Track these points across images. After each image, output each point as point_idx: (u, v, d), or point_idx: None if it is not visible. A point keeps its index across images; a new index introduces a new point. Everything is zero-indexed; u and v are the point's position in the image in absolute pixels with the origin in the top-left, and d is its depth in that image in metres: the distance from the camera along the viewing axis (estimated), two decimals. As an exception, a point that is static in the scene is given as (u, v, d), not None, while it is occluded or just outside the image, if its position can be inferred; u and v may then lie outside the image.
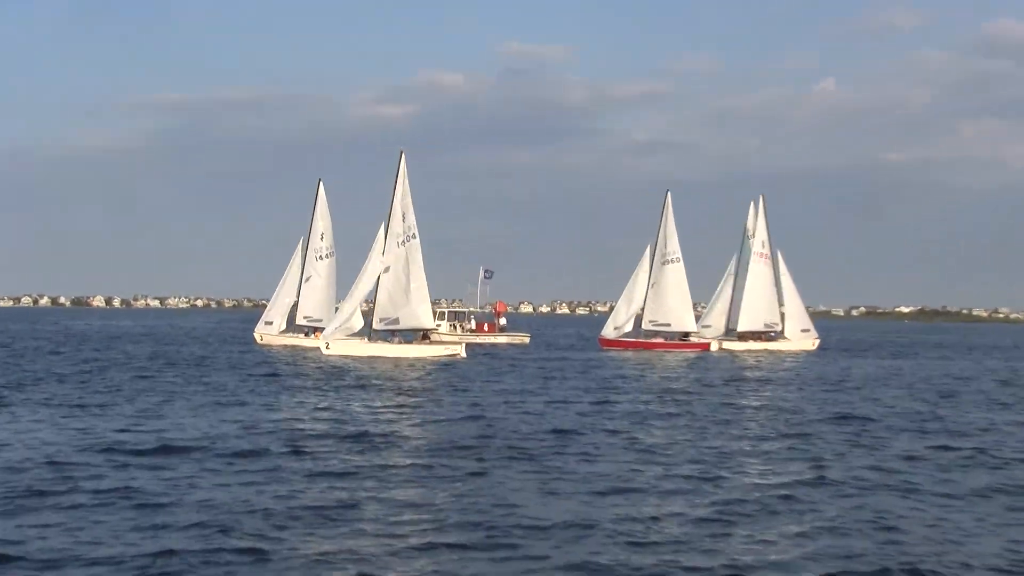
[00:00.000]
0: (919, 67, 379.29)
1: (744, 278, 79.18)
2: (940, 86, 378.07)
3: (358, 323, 62.05)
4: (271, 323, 70.70)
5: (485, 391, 38.19)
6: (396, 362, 55.42)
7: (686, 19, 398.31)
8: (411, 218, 61.67)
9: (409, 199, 61.94)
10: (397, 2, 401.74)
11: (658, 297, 74.76)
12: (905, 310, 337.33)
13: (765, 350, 75.73)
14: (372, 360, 56.04)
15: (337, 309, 65.10)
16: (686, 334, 75.44)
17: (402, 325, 61.51)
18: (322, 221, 70.62)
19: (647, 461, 21.37)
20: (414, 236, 61.54)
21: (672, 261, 74.81)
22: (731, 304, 78.93)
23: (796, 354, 74.03)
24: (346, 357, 58.07)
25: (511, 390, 38.93)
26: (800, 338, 79.60)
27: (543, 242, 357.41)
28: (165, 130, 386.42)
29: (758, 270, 77.98)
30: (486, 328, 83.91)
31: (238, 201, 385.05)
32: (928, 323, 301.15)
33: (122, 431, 24.69)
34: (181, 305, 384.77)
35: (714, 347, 75.08)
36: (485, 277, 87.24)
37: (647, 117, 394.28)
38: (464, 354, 61.62)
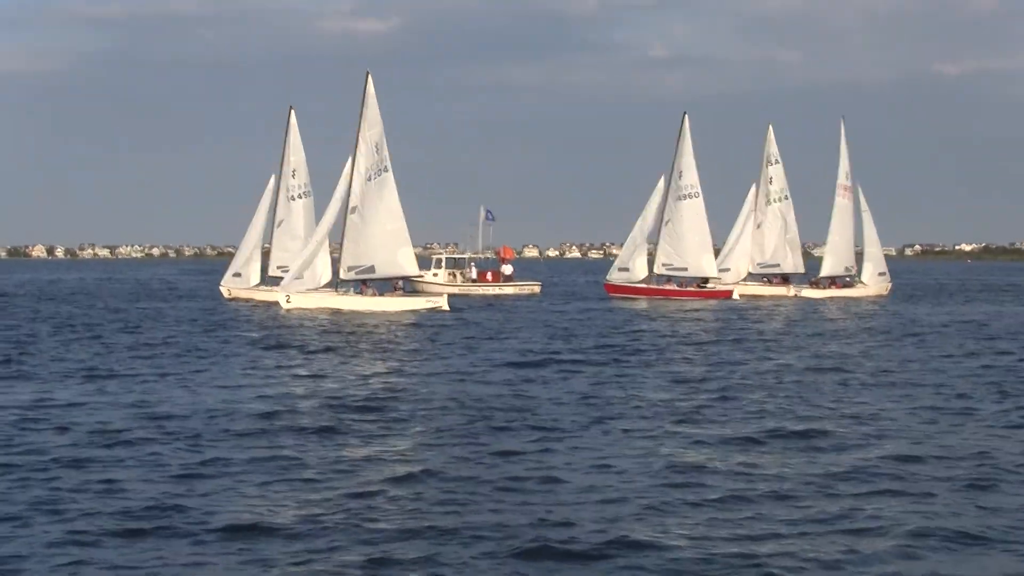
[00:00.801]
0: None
1: (764, 213, 78.54)
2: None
3: (325, 272, 59.70)
4: (239, 275, 68.77)
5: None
6: (372, 317, 53.13)
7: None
8: (383, 149, 59.46)
9: (380, 128, 59.52)
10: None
11: (673, 237, 73.22)
12: (967, 248, 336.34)
13: (844, 297, 75.12)
14: (345, 316, 53.84)
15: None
16: (705, 280, 73.52)
17: (379, 274, 59.44)
18: (295, 155, 68.24)
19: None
20: (386, 169, 59.28)
21: (689, 196, 73.16)
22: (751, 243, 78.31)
23: (874, 300, 73.49)
24: (310, 311, 55.92)
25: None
26: (877, 283, 79.12)
27: (548, 175, 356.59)
28: (106, 49, 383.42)
29: (842, 204, 77.77)
30: (489, 277, 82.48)
31: (195, 134, 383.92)
32: (993, 261, 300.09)
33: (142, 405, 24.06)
34: (135, 255, 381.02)
35: (736, 294, 73.16)
36: (487, 218, 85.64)
37: (665, 27, 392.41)
38: (447, 306, 59.31)
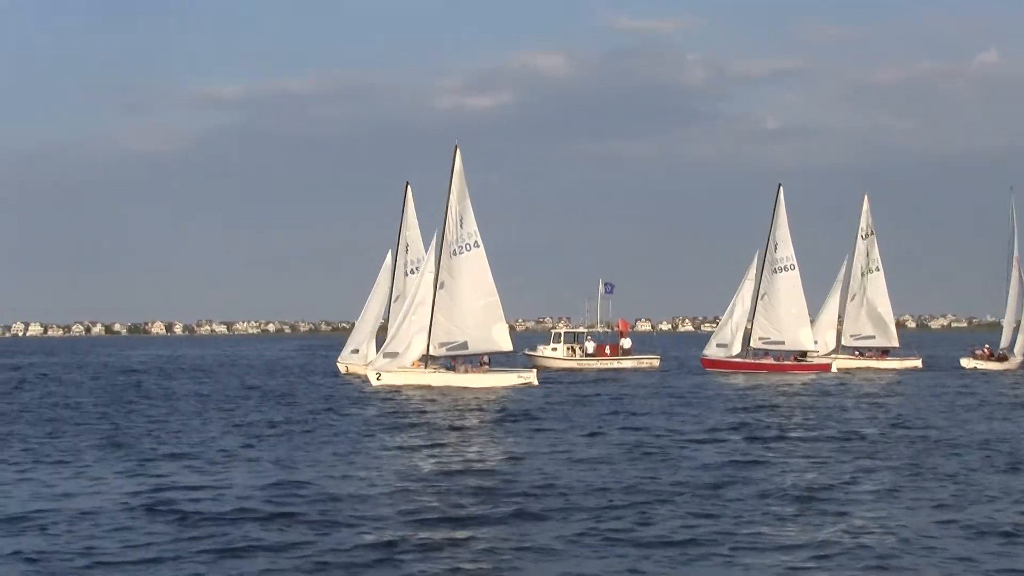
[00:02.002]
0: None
1: (860, 285, 77.27)
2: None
3: (417, 348, 60.18)
4: (357, 351, 68.30)
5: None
6: (473, 393, 52.59)
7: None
8: (471, 223, 59.18)
9: (468, 202, 59.28)
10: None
11: (769, 310, 72.09)
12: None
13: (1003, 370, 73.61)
14: (442, 392, 53.15)
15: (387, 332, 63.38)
16: (803, 353, 72.18)
17: (471, 350, 58.77)
18: (410, 231, 68.33)
19: None
20: (477, 244, 58.93)
21: (785, 268, 72.03)
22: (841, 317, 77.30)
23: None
24: (400, 388, 55.15)
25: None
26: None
27: (661, 248, 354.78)
28: (224, 128, 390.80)
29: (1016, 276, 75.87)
30: (607, 351, 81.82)
31: (310, 210, 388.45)
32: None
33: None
34: (251, 331, 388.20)
35: (834, 367, 71.58)
36: (606, 291, 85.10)
37: (776, 98, 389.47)
38: (536, 381, 58.47)
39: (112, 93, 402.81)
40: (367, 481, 24.53)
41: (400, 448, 30.87)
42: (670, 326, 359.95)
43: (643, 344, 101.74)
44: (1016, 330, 75.68)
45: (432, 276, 59.20)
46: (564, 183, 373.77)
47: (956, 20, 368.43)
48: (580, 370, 77.26)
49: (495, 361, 60.76)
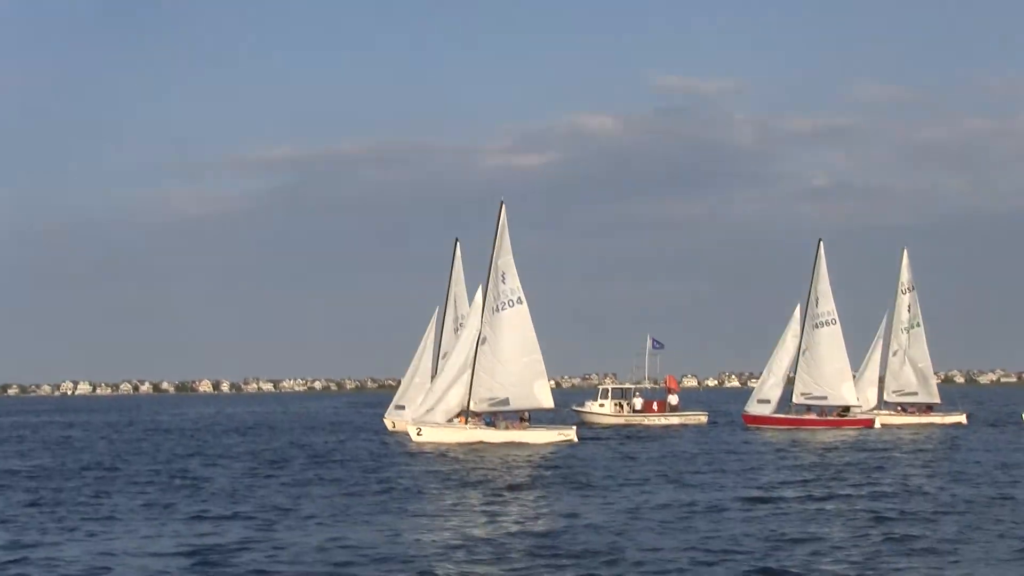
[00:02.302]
0: None
1: (904, 341, 77.40)
2: None
3: (456, 403, 59.01)
4: (403, 407, 67.98)
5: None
6: (514, 450, 52.40)
7: (865, 43, 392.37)
8: (514, 279, 59.52)
9: (511, 258, 59.62)
10: (528, 36, 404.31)
11: (811, 365, 71.96)
12: None
13: None
14: (485, 449, 53.21)
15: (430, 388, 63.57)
16: (846, 408, 71.88)
17: (513, 406, 58.96)
18: (458, 287, 68.87)
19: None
20: (520, 301, 59.25)
21: (827, 323, 72.06)
22: (882, 372, 77.19)
23: None
24: (442, 444, 55.24)
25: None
26: None
27: (708, 306, 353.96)
28: (273, 190, 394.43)
29: None
30: (655, 407, 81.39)
31: (357, 268, 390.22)
32: None
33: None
34: (297, 388, 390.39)
35: (877, 423, 71.36)
36: (654, 348, 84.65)
37: (825, 157, 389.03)
38: (576, 438, 58.42)
39: (163, 156, 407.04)
40: (421, 542, 24.43)
41: (453, 507, 30.73)
42: (716, 382, 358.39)
43: (690, 400, 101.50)
44: None
45: (474, 332, 59.44)
46: (611, 241, 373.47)
47: (1002, 79, 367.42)
48: (628, 426, 77.20)
49: (535, 418, 60.80)
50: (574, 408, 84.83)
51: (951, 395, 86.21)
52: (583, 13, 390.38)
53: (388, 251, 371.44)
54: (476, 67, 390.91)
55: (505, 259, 59.97)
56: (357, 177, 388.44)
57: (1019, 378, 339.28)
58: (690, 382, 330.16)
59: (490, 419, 59.71)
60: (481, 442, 56.77)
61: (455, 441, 56.95)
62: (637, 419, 79.94)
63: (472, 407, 58.97)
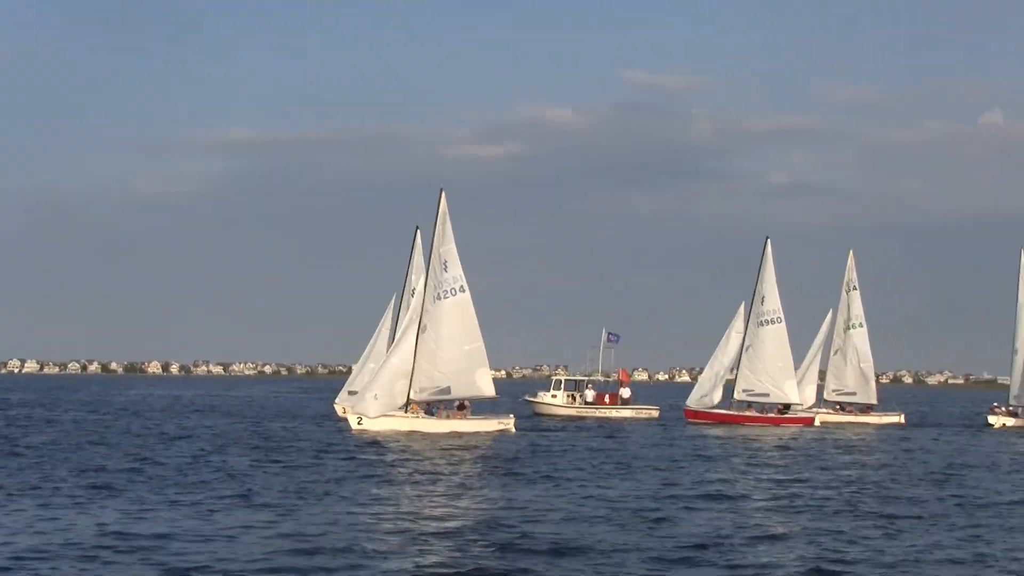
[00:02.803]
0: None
1: (845, 340, 77.71)
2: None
3: (399, 391, 58.02)
4: (355, 392, 65.97)
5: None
6: (455, 440, 51.79)
7: (830, 44, 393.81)
8: (456, 268, 58.86)
9: (453, 246, 59.01)
10: (493, 27, 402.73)
11: (754, 363, 71.89)
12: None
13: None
14: (425, 438, 52.46)
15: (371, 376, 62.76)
16: (787, 406, 71.86)
17: (454, 395, 58.56)
18: (418, 275, 66.65)
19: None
20: (463, 289, 58.65)
21: (771, 322, 72.06)
22: (827, 370, 77.87)
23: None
24: (381, 433, 54.28)
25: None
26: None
27: (661, 300, 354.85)
28: (232, 174, 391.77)
29: None
30: (607, 399, 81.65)
31: (311, 255, 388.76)
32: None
33: None
34: (247, 372, 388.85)
35: (817, 422, 71.64)
36: (610, 340, 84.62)
37: (785, 156, 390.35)
38: (514, 429, 58.45)
39: (122, 135, 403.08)
40: (361, 531, 23.99)
41: (393, 497, 30.25)
42: (667, 376, 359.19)
43: (642, 394, 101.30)
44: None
45: (414, 320, 58.89)
46: (567, 234, 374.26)
47: (963, 82, 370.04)
48: (579, 418, 77.19)
49: (474, 407, 60.44)
50: (527, 399, 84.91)
51: (890, 396, 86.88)
52: (549, 6, 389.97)
53: (344, 238, 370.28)
54: (440, 57, 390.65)
55: (447, 247, 59.30)
56: (317, 163, 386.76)
57: (966, 380, 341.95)
58: (641, 376, 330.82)
59: (431, 408, 59.16)
60: (422, 431, 56.21)
61: (396, 429, 56.32)
62: (589, 411, 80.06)
63: (413, 396, 58.30)
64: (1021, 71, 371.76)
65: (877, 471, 40.84)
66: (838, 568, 20.58)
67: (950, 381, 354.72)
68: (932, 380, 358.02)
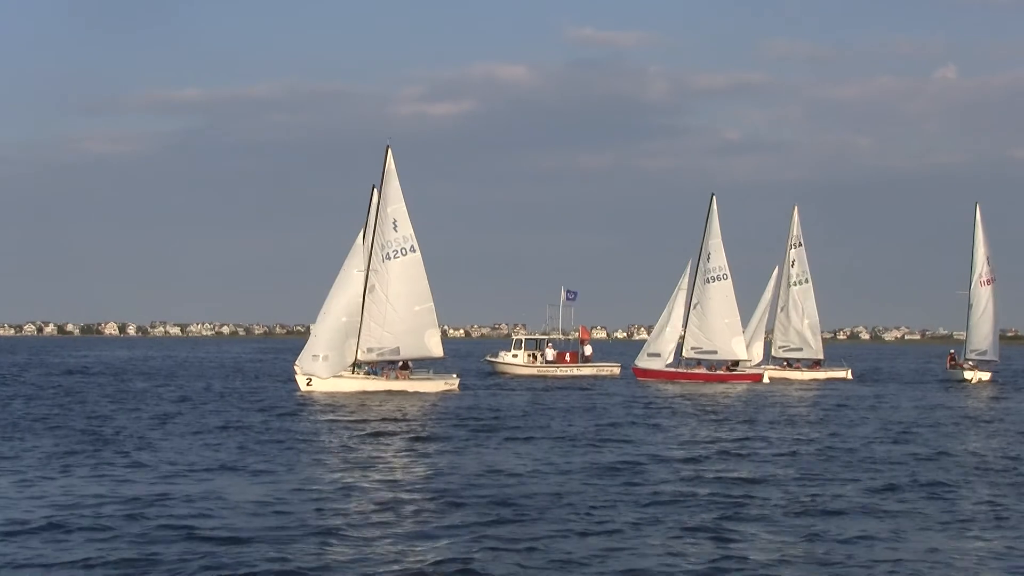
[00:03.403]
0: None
1: (790, 296, 78.24)
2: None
3: (350, 353, 57.79)
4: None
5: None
6: (407, 400, 51.54)
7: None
8: (406, 227, 58.34)
9: (402, 205, 58.43)
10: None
11: (702, 320, 72.01)
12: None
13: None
14: (376, 398, 52.12)
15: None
16: (736, 363, 72.22)
17: (403, 355, 58.35)
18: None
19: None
20: (413, 249, 58.17)
21: (718, 278, 72.02)
22: (774, 327, 78.17)
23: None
24: (331, 394, 54.26)
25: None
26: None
27: (618, 258, 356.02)
28: (181, 132, 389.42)
29: (984, 295, 74.86)
30: (567, 358, 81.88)
31: (267, 215, 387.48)
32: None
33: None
34: (205, 332, 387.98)
35: (766, 378, 72.26)
36: (568, 298, 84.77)
37: (737, 113, 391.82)
38: (458, 388, 58.86)
39: (72, 95, 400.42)
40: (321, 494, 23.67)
41: (351, 459, 29.80)
42: (625, 334, 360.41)
43: (601, 351, 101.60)
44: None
45: (360, 280, 58.19)
46: (522, 192, 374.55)
47: (915, 37, 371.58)
48: (540, 376, 77.50)
49: (416, 366, 60.29)
50: (488, 359, 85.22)
51: (839, 352, 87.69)
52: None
53: (299, 197, 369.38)
54: (391, 14, 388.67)
55: (396, 207, 58.71)
56: (268, 122, 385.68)
57: (922, 335, 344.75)
58: (599, 334, 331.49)
59: (375, 369, 59.05)
60: (371, 391, 56.20)
61: (344, 391, 56.08)
62: (549, 370, 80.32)
63: (361, 356, 58.02)
64: (975, 26, 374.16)
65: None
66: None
67: (907, 337, 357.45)
68: (889, 336, 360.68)
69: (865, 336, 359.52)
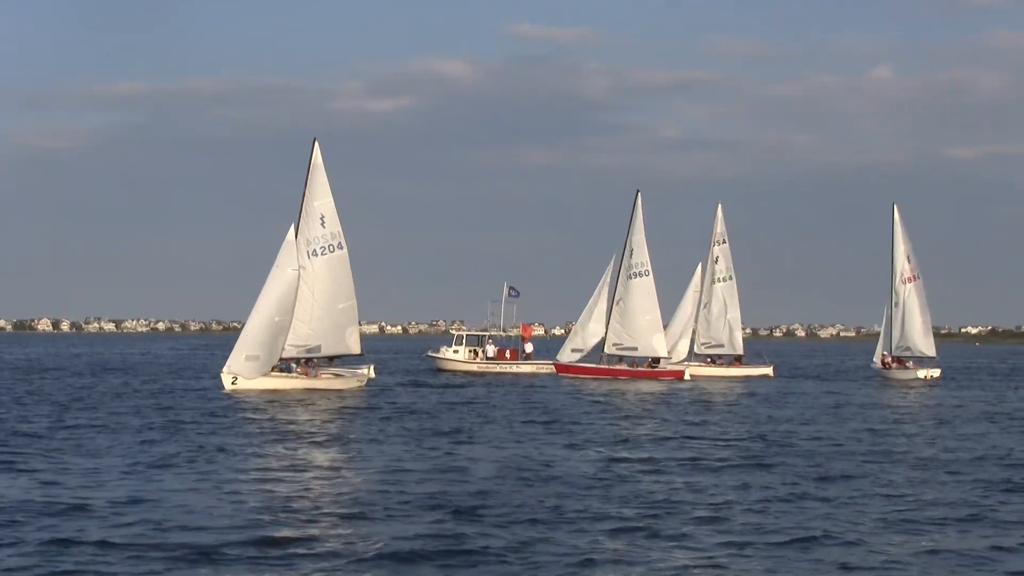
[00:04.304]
0: (991, 49, 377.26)
1: (712, 293, 79.09)
2: (1017, 71, 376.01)
3: (278, 351, 56.87)
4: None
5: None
6: (323, 396, 51.65)
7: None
8: (334, 224, 57.66)
9: (330, 200, 57.76)
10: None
11: (624, 316, 72.48)
12: (972, 330, 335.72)
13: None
14: (299, 396, 51.93)
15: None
16: (657, 359, 72.82)
17: (324, 352, 58.07)
18: None
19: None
20: (340, 246, 57.66)
21: (640, 274, 72.46)
22: (696, 324, 78.81)
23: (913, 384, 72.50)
24: (256, 392, 53.77)
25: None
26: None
27: (556, 255, 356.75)
28: (120, 126, 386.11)
29: (908, 292, 76.19)
30: (508, 355, 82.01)
31: (205, 210, 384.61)
32: (1000, 344, 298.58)
33: None
34: (140, 329, 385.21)
35: (687, 375, 72.77)
36: (510, 295, 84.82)
37: (678, 110, 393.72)
38: (365, 384, 58.66)
39: (7, 88, 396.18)
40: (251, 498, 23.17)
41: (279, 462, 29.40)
42: (563, 331, 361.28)
43: (540, 348, 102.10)
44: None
45: (286, 277, 57.63)
46: (462, 188, 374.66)
47: (852, 37, 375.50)
48: (481, 373, 77.90)
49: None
50: (429, 354, 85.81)
51: (758, 349, 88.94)
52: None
53: (238, 192, 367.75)
54: (332, 9, 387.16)
55: (323, 201, 57.84)
56: (208, 116, 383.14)
57: (857, 332, 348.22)
58: (537, 331, 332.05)
59: (288, 366, 58.39)
60: (289, 389, 55.83)
61: (268, 388, 55.76)
62: (490, 366, 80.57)
63: (285, 354, 57.44)
64: (911, 25, 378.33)
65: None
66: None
67: (842, 334, 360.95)
68: (824, 334, 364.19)
69: (801, 333, 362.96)
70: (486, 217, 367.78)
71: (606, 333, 73.08)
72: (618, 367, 73.43)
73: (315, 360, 58.91)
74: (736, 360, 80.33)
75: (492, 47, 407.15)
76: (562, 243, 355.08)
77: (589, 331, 73.48)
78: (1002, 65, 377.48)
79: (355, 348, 59.18)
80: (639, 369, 73.12)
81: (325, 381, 58.50)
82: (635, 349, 72.86)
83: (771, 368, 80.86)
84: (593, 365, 73.24)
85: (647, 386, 65.26)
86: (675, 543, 18.90)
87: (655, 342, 72.64)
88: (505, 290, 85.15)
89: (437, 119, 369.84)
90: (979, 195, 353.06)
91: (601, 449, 32.39)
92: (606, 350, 73.42)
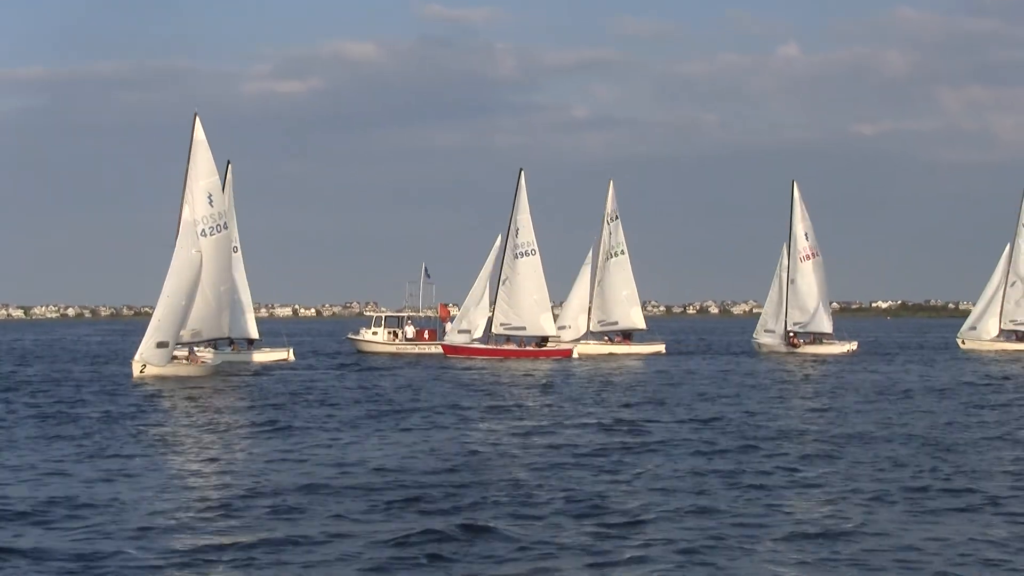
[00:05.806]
0: (895, 28, 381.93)
1: (605, 270, 78.91)
2: (920, 49, 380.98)
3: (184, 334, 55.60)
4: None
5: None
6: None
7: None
8: (220, 203, 56.47)
9: (216, 179, 56.81)
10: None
11: (511, 296, 72.76)
12: (883, 305, 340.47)
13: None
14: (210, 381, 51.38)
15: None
16: (545, 339, 73.16)
17: (205, 337, 58.03)
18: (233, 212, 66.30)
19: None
20: (225, 226, 56.73)
21: (526, 254, 72.81)
22: (592, 302, 78.56)
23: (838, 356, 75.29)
24: (166, 378, 52.51)
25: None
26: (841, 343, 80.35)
27: (475, 236, 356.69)
28: (24, 110, 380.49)
29: (806, 269, 78.17)
30: (427, 336, 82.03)
31: (112, 195, 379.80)
32: (911, 318, 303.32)
33: None
34: (50, 315, 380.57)
35: (575, 353, 72.87)
36: (428, 277, 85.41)
37: (586, 89, 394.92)
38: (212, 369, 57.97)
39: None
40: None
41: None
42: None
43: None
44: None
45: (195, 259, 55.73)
46: (374, 170, 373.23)
47: (757, 15, 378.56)
48: (400, 354, 77.70)
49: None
50: (350, 336, 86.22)
51: (657, 325, 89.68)
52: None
53: (143, 175, 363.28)
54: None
55: (210, 180, 56.41)
56: (112, 100, 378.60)
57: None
58: (455, 311, 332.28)
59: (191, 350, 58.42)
60: (197, 376, 55.23)
61: (177, 375, 54.88)
62: (409, 347, 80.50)
63: (184, 338, 56.48)
64: (817, 2, 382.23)
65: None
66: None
67: (755, 311, 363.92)
68: (737, 310, 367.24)
69: (715, 310, 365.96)
70: (398, 198, 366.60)
71: (492, 313, 73.08)
72: (506, 347, 73.55)
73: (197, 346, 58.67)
74: (625, 337, 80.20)
75: (401, 28, 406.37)
76: (475, 223, 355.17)
77: (476, 311, 73.30)
78: (906, 43, 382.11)
79: (253, 331, 60.51)
80: (527, 349, 73.32)
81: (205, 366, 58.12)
82: (523, 328, 73.06)
83: (663, 345, 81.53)
84: (481, 346, 73.22)
85: (538, 365, 65.82)
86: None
87: (543, 321, 72.97)
88: (423, 271, 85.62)
89: (348, 101, 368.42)
90: (884, 171, 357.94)
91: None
92: (494, 329, 73.47)
